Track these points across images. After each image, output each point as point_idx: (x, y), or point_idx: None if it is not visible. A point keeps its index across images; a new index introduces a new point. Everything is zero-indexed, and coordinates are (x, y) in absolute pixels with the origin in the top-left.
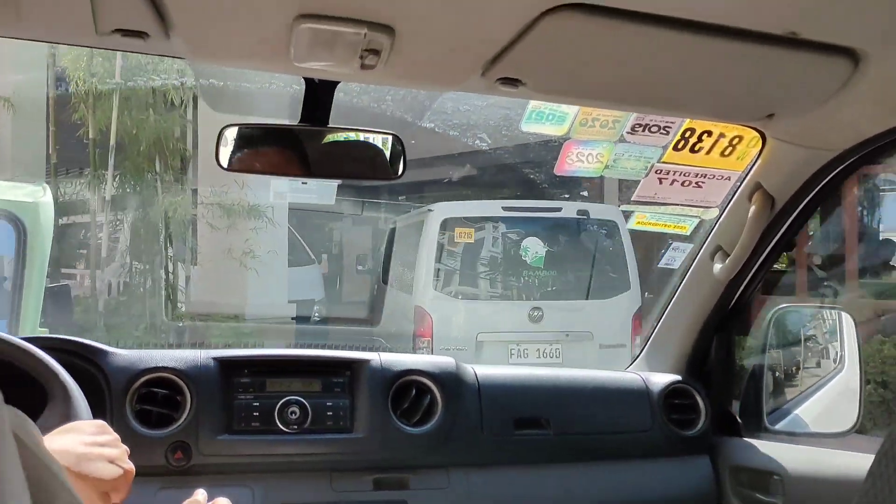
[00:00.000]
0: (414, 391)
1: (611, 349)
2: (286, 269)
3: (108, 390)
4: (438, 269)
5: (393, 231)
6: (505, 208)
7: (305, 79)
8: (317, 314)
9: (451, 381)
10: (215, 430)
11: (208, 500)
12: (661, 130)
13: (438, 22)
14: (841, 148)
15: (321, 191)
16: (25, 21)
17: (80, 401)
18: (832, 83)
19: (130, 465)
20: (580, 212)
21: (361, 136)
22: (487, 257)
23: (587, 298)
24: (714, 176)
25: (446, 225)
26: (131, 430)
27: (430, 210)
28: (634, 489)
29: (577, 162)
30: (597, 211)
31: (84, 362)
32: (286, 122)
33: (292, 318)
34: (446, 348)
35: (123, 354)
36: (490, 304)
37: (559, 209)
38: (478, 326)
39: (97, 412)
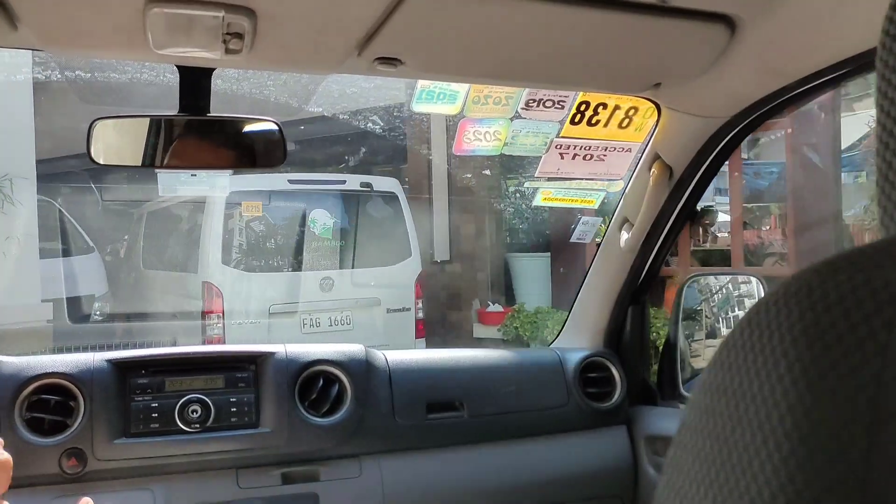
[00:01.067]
0: (321, 381)
1: (397, 313)
2: (37, 260)
3: None
4: (226, 244)
5: (143, 215)
6: (291, 181)
7: (178, 66)
8: (98, 312)
9: (359, 369)
10: (111, 434)
11: None
12: (556, 105)
13: (300, 3)
14: (728, 114)
15: (212, 181)
16: None
17: None
18: (712, 51)
19: (6, 456)
20: (363, 184)
21: (243, 125)
22: (276, 230)
23: (374, 266)
24: (615, 148)
25: (232, 199)
26: (22, 440)
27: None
28: (551, 464)
29: (474, 141)
30: (380, 183)
31: None
32: (164, 112)
33: (48, 321)
34: (239, 322)
35: (10, 361)
36: (280, 276)
37: (343, 181)
38: (269, 299)
39: None
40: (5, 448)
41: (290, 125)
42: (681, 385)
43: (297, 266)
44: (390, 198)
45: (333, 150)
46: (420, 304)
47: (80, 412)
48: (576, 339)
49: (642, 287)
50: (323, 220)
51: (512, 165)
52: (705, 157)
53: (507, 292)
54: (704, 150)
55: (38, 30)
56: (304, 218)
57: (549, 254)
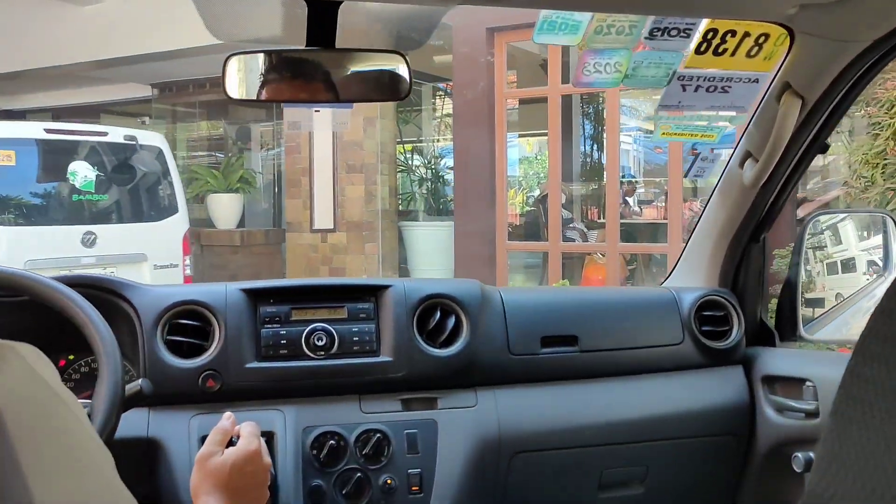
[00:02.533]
0: (438, 314)
1: (164, 269)
2: None
3: (139, 324)
4: None
5: None
6: (47, 130)
7: (307, 1)
8: None
9: (475, 303)
10: (244, 358)
11: (238, 423)
12: (682, 34)
13: None
14: (870, 38)
15: (337, 115)
16: None
17: (98, 322)
18: None
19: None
20: (127, 137)
21: (369, 57)
22: (31, 181)
23: (139, 221)
24: (741, 79)
25: None
26: (164, 362)
27: None
28: (664, 400)
29: (594, 73)
30: (144, 137)
31: (114, 297)
32: (293, 47)
33: None
34: None
35: (152, 289)
36: (36, 231)
37: (106, 133)
38: (25, 253)
39: (130, 345)
40: (150, 368)
41: None
42: (801, 326)
43: (57, 220)
44: (156, 152)
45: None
46: (188, 261)
47: (215, 337)
48: (689, 277)
49: (763, 224)
50: (84, 172)
51: (407, 130)
52: (842, 86)
53: (402, 265)
54: (841, 78)
55: None
56: (63, 170)
57: (451, 222)
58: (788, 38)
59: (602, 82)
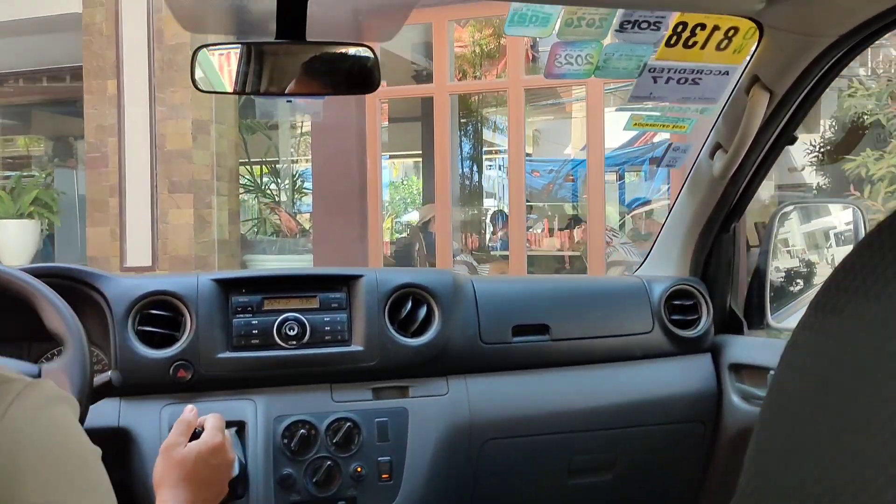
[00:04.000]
0: (410, 303)
1: None
2: None
3: (110, 314)
4: None
5: None
6: None
7: None
8: None
9: (446, 292)
10: (216, 348)
11: (209, 413)
12: (652, 26)
13: None
14: (837, 33)
15: (308, 108)
16: None
17: (63, 311)
18: None
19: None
20: None
21: (339, 50)
22: None
23: None
24: (711, 72)
25: None
26: (135, 352)
27: None
28: (634, 388)
29: (565, 65)
30: None
31: (85, 287)
32: (262, 39)
33: None
34: None
35: (123, 279)
36: None
37: None
38: None
39: (101, 335)
40: (121, 359)
41: None
42: (769, 315)
43: None
44: None
45: None
46: None
47: (187, 327)
48: (660, 266)
49: (733, 215)
50: None
51: (256, 143)
52: (809, 80)
53: None
54: (808, 72)
55: None
56: None
57: (310, 255)
58: (758, 31)
59: (574, 74)
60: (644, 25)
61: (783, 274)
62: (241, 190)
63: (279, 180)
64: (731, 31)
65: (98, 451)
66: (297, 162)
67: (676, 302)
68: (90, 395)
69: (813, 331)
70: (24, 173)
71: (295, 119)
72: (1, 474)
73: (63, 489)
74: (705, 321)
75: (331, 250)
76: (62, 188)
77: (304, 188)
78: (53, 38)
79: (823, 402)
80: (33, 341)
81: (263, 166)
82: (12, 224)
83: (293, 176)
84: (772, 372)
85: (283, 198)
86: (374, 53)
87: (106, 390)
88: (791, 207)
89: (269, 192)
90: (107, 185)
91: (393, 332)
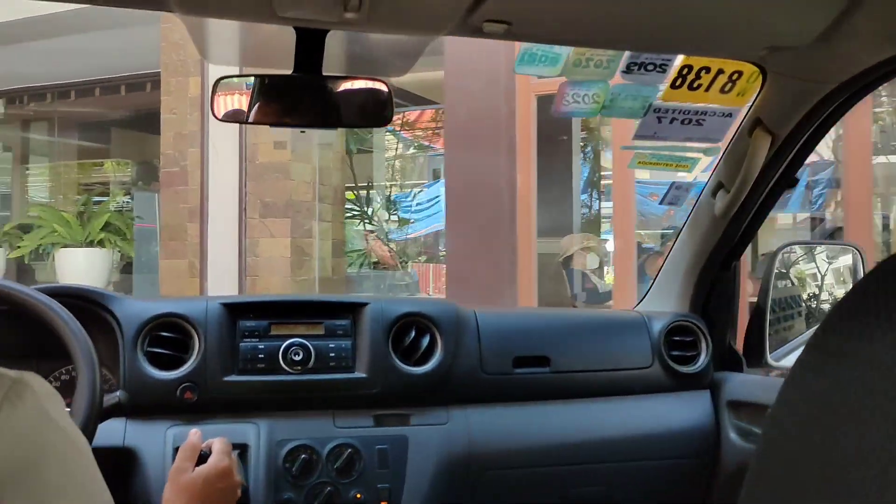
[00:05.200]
0: (414, 332)
1: None
2: None
3: (120, 335)
4: None
5: None
6: None
7: (296, 28)
8: None
9: (449, 322)
10: (223, 370)
11: (212, 436)
12: (658, 69)
13: None
14: (839, 80)
15: (323, 137)
16: None
17: (77, 332)
18: (828, 13)
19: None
20: None
21: (354, 84)
22: None
23: None
24: (715, 113)
25: None
26: (144, 373)
27: None
28: (632, 422)
29: (572, 103)
30: None
31: (97, 308)
32: (281, 71)
33: None
34: None
35: (134, 301)
36: None
37: None
38: None
39: (111, 355)
40: (130, 379)
41: None
42: (768, 353)
43: None
44: None
45: None
46: None
47: (195, 349)
48: (661, 302)
49: (733, 253)
50: None
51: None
52: (811, 124)
53: None
54: (810, 117)
55: None
56: None
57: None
58: (761, 76)
59: (581, 112)
60: (650, 67)
61: (785, 313)
62: (348, 213)
63: (371, 206)
64: (735, 75)
65: (88, 444)
66: (393, 186)
67: (676, 338)
68: (99, 413)
69: (808, 370)
70: (99, 198)
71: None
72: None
73: (69, 485)
74: (704, 357)
75: (469, 291)
76: (142, 214)
77: (400, 215)
78: (129, 34)
79: (816, 440)
80: (42, 359)
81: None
82: (81, 253)
83: (388, 200)
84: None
85: (389, 227)
86: (389, 88)
87: (114, 410)
88: (792, 246)
89: (374, 217)
90: (185, 207)
91: (396, 360)
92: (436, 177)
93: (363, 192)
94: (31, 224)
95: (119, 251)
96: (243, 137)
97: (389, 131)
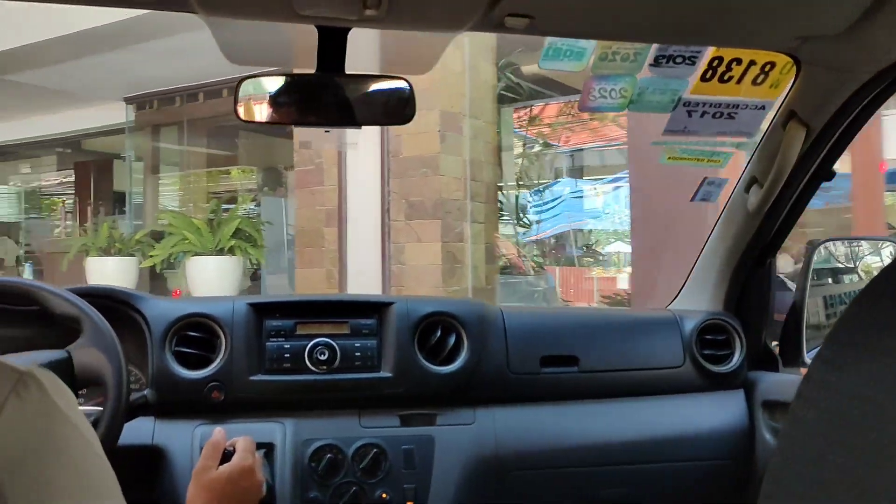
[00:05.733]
0: (439, 331)
1: None
2: None
3: (149, 334)
4: None
5: None
6: None
7: (318, 27)
8: None
9: (475, 321)
10: (249, 370)
11: (238, 435)
12: (687, 61)
13: None
14: (874, 70)
15: (347, 133)
16: None
17: (105, 331)
18: (861, 1)
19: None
20: None
21: (376, 83)
22: None
23: None
24: (748, 106)
25: None
26: (172, 372)
27: None
28: (663, 423)
29: (599, 98)
30: None
31: (126, 307)
32: (303, 70)
33: None
34: None
35: (162, 301)
36: None
37: None
38: None
39: (139, 355)
40: (158, 378)
41: None
42: (804, 352)
43: None
44: None
45: None
46: None
47: (221, 349)
48: (693, 300)
49: (768, 250)
50: None
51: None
52: (846, 116)
53: None
54: (845, 108)
55: None
56: None
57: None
58: (794, 66)
59: (608, 107)
60: (679, 60)
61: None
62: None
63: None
64: (768, 66)
65: (97, 439)
66: (521, 186)
67: (709, 337)
68: (126, 411)
69: (828, 364)
70: (226, 206)
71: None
72: (15, 471)
73: (82, 482)
74: (738, 357)
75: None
76: (270, 219)
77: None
78: (254, 28)
79: (839, 436)
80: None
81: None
82: (212, 261)
83: (517, 200)
84: None
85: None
86: (411, 85)
87: (142, 408)
88: (830, 242)
89: (525, 217)
90: (321, 209)
91: (422, 359)
92: (557, 175)
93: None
94: (163, 232)
95: (250, 258)
96: (385, 129)
97: (516, 132)
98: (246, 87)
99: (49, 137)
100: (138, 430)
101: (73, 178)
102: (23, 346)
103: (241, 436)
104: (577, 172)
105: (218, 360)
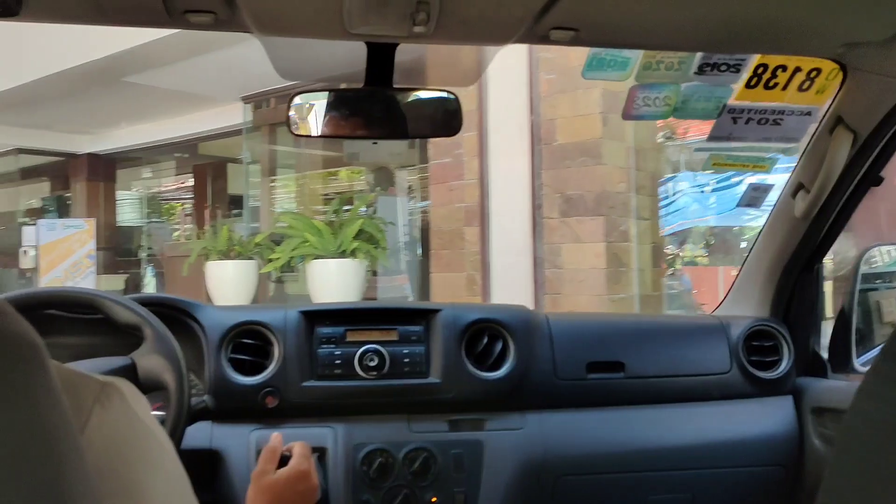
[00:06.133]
0: (486, 338)
1: None
2: None
3: (206, 342)
4: None
5: None
6: None
7: (367, 43)
8: None
9: (522, 328)
10: (301, 376)
11: (291, 440)
12: (732, 69)
13: None
14: None
15: (392, 148)
16: (104, 10)
17: (167, 338)
18: None
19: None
20: None
21: (423, 95)
22: None
23: None
24: (794, 112)
25: None
26: (228, 378)
27: None
28: (711, 429)
29: (643, 107)
30: None
31: (183, 316)
32: (353, 85)
33: None
34: None
35: (218, 310)
36: None
37: None
38: None
39: (197, 361)
40: (215, 384)
41: None
42: (854, 358)
43: None
44: None
45: None
46: None
47: (275, 356)
48: (740, 306)
49: (816, 255)
50: None
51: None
52: (894, 121)
53: None
54: (893, 113)
55: (253, 15)
56: None
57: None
58: (841, 72)
59: (652, 115)
60: (723, 68)
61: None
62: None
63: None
64: (814, 73)
65: (173, 446)
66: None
67: (756, 343)
68: (187, 417)
69: (884, 378)
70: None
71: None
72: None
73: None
74: (786, 363)
75: None
76: (386, 219)
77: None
78: None
79: (892, 449)
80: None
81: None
82: (333, 264)
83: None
84: None
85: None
86: (457, 98)
87: (201, 413)
88: (879, 247)
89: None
90: (461, 206)
91: (469, 365)
92: (675, 169)
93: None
94: (283, 235)
95: (373, 260)
96: (534, 107)
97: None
98: (298, 102)
99: (168, 142)
100: (197, 434)
101: (188, 183)
102: (88, 353)
103: (297, 441)
104: (696, 166)
105: (271, 367)
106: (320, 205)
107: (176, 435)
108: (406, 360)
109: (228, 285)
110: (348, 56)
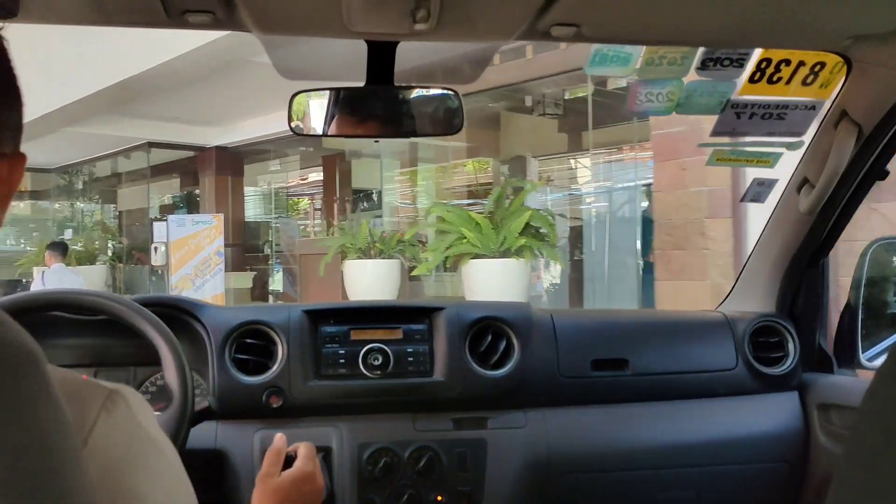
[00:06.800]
0: (490, 336)
1: None
2: None
3: (209, 342)
4: None
5: None
6: None
7: (367, 41)
8: None
9: (525, 325)
10: (305, 375)
11: (296, 440)
12: (735, 63)
13: None
14: None
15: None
16: (102, 10)
17: (168, 336)
18: None
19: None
20: None
21: (425, 93)
22: None
23: None
24: (798, 106)
25: None
26: (232, 378)
27: None
28: (716, 425)
29: (646, 102)
30: None
31: (187, 316)
32: (354, 83)
33: None
34: None
35: (221, 310)
36: None
37: None
38: None
39: (200, 361)
40: (219, 384)
41: None
42: (860, 353)
43: None
44: None
45: None
46: None
47: (279, 355)
48: (745, 302)
49: (821, 250)
50: None
51: None
52: None
53: None
54: None
55: (252, 14)
56: None
57: None
58: (845, 66)
59: (655, 111)
60: (726, 63)
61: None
62: None
63: None
64: (818, 66)
65: (176, 452)
66: None
67: (761, 339)
68: (191, 418)
69: (892, 378)
70: (469, 201)
71: None
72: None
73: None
74: (792, 359)
75: None
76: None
77: None
78: None
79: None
80: (139, 366)
81: None
82: (498, 265)
83: None
84: None
85: None
86: (459, 96)
87: (205, 414)
88: (885, 242)
89: None
90: (700, 191)
91: (473, 363)
92: None
93: None
94: (420, 233)
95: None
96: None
97: None
98: (299, 101)
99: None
100: (202, 434)
101: (312, 177)
102: (90, 354)
103: (302, 441)
104: None
105: (275, 367)
106: (449, 198)
107: (180, 437)
108: (410, 358)
109: (368, 286)
110: (350, 55)
